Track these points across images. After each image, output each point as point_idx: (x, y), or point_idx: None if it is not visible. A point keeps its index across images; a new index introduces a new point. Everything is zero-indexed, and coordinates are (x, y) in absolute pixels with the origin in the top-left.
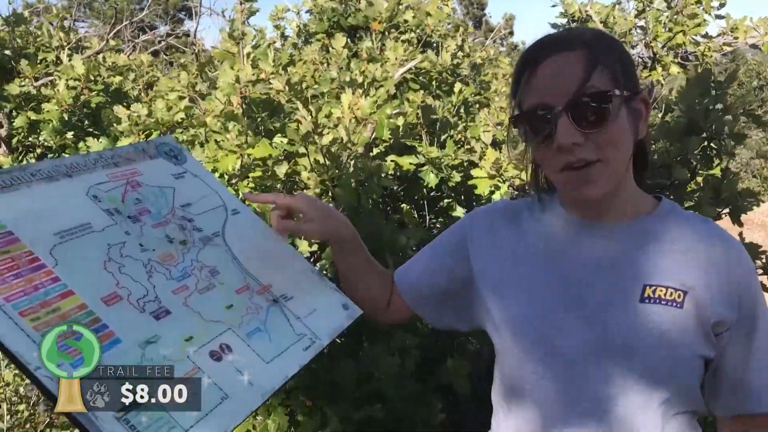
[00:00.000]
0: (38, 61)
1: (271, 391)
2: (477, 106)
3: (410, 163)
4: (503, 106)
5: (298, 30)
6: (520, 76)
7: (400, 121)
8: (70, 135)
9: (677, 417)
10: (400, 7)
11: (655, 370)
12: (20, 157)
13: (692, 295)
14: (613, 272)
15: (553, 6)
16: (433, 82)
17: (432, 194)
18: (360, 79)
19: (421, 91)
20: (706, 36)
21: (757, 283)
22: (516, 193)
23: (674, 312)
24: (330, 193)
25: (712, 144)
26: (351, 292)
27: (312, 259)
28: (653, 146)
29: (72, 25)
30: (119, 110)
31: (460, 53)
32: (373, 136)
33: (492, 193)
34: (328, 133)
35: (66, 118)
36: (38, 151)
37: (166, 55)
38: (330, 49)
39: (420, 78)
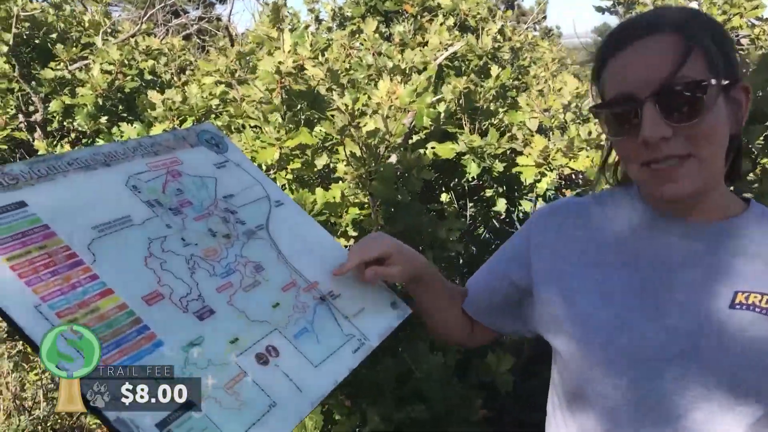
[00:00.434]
0: (74, 45)
1: (321, 398)
2: (514, 91)
3: (452, 149)
4: (542, 89)
5: (333, 14)
6: (602, 62)
7: (441, 108)
8: (104, 120)
9: (760, 429)
10: None
11: (740, 378)
12: (55, 142)
13: None
14: (698, 275)
15: None
16: (471, 67)
17: (472, 183)
18: (402, 66)
19: (464, 77)
20: (760, 19)
21: None
22: (563, 182)
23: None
24: (367, 187)
25: None
26: (434, 325)
27: None
28: None
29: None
30: (153, 96)
31: (499, 37)
32: (412, 124)
33: (538, 181)
34: (365, 125)
35: (100, 103)
36: (72, 135)
37: (199, 39)
38: (361, 33)
39: (456, 63)
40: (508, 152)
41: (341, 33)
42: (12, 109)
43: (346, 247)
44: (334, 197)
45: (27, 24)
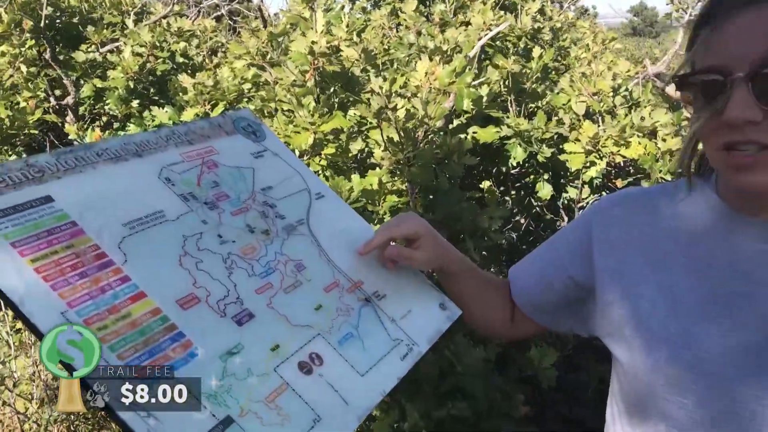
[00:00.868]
0: (105, 26)
1: (368, 411)
2: (554, 72)
3: (496, 132)
4: (585, 72)
5: None
6: (697, 31)
7: (484, 91)
8: (135, 103)
9: None
10: None
11: None
12: (86, 126)
13: None
14: None
15: None
16: (512, 48)
17: (515, 170)
18: (444, 47)
19: (512, 57)
20: None
21: None
22: (613, 170)
23: None
24: (405, 174)
25: None
26: (469, 315)
27: None
28: None
29: None
30: (184, 79)
31: (540, 17)
32: (453, 107)
33: (587, 169)
34: (402, 107)
35: (131, 86)
36: (104, 119)
37: (231, 21)
38: (400, 13)
39: (497, 43)
40: (555, 137)
41: (379, 13)
42: (42, 93)
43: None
44: (371, 184)
45: (51, 9)
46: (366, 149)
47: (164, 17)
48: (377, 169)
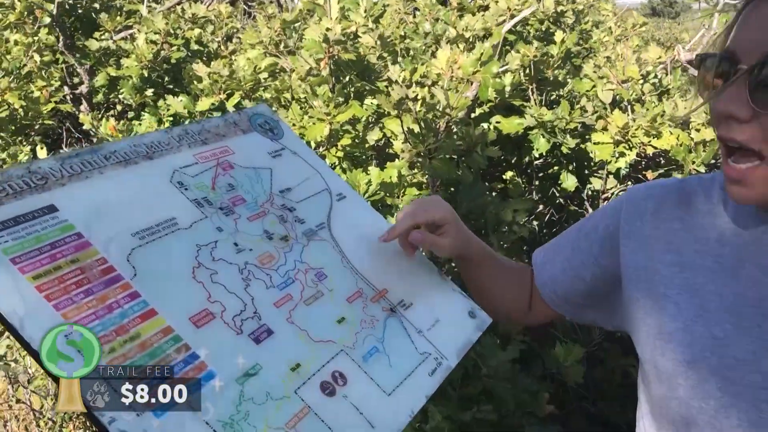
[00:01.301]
0: (118, 13)
1: None
2: (576, 57)
3: (518, 124)
4: (610, 56)
5: None
6: (740, 10)
7: (507, 80)
8: (149, 92)
9: None
10: None
11: None
12: (100, 115)
13: None
14: None
15: None
16: (532, 32)
17: (538, 161)
18: (467, 34)
19: (533, 44)
20: None
21: None
22: (643, 161)
23: None
24: (426, 166)
25: None
26: (485, 302)
27: None
28: None
29: None
30: (199, 68)
31: None
32: (475, 95)
33: (615, 160)
34: (422, 97)
35: (146, 75)
36: (118, 108)
37: (246, 5)
38: None
39: (517, 28)
40: (579, 127)
41: None
42: (57, 81)
43: None
44: (390, 177)
45: None
46: (383, 139)
47: (178, 3)
48: (396, 160)
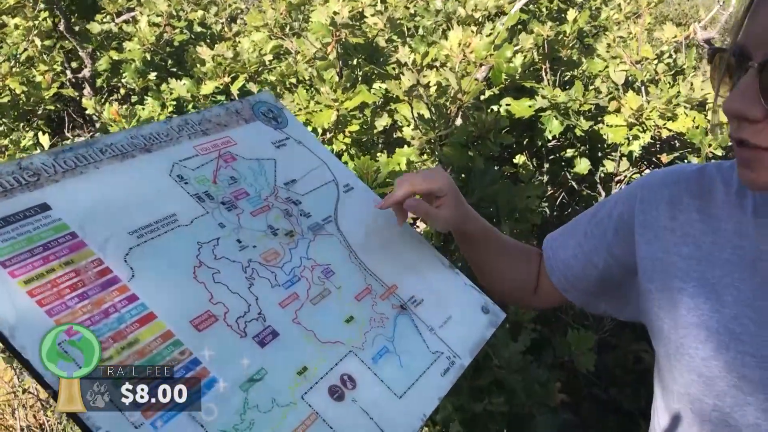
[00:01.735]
0: None
1: None
2: (588, 36)
3: (530, 107)
4: (623, 35)
5: None
6: (750, 1)
7: (518, 61)
8: (152, 76)
9: None
10: None
11: None
12: (103, 100)
13: None
14: None
15: None
16: (544, 11)
17: (550, 143)
18: (476, 15)
19: (547, 23)
20: None
21: None
22: (658, 144)
23: None
24: (436, 153)
25: None
26: (486, 281)
27: None
28: None
29: None
30: (202, 51)
31: None
32: (486, 77)
33: (629, 143)
34: (434, 81)
35: (148, 58)
36: (121, 92)
37: None
38: None
39: (529, 6)
40: (593, 108)
41: None
42: (58, 66)
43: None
44: (398, 164)
45: None
46: (391, 124)
47: None
48: (405, 147)
